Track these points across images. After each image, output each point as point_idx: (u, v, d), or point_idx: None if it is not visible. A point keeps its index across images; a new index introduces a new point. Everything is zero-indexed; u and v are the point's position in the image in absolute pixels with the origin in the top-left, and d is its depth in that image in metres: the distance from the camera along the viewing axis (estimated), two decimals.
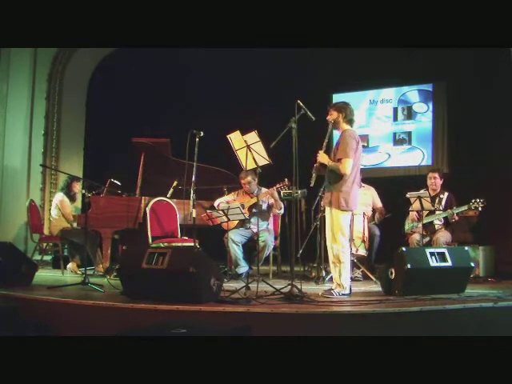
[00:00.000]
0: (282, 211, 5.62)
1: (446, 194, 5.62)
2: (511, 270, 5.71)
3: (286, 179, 5.15)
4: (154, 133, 6.30)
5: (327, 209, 4.28)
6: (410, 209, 5.51)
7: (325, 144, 4.30)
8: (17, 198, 7.91)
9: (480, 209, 5.27)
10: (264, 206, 5.63)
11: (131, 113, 8.17)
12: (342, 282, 4.12)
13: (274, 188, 5.34)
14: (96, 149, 8.25)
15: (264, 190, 5.54)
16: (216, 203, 5.74)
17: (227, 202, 5.64)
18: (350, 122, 4.29)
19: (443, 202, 5.55)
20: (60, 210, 6.33)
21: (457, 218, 5.46)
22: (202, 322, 3.50)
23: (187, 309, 3.58)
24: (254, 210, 5.50)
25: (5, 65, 8.13)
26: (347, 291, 4.13)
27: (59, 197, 6.42)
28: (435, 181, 5.64)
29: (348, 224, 4.24)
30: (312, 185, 4.41)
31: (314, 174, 4.30)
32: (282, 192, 5.48)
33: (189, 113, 7.83)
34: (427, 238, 5.46)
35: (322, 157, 4.23)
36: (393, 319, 3.47)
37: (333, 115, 4.28)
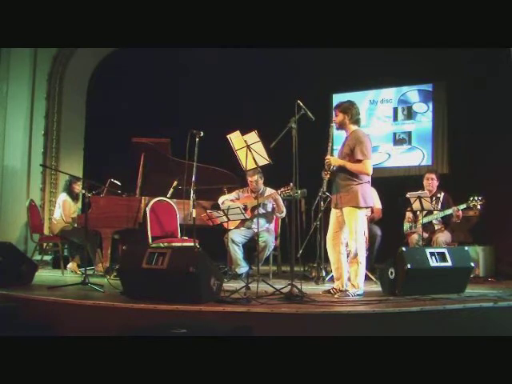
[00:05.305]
0: (284, 215, 5.62)
1: (442, 193, 5.62)
2: (511, 270, 5.71)
3: (291, 183, 5.13)
4: (154, 133, 6.30)
5: (336, 210, 4.27)
6: (409, 209, 5.50)
7: (329, 148, 4.33)
8: (17, 198, 7.92)
9: (479, 206, 5.26)
10: (269, 207, 5.63)
11: (131, 113, 8.17)
12: (358, 282, 4.13)
13: (278, 192, 5.33)
14: (96, 149, 8.25)
15: (269, 190, 5.54)
16: (220, 201, 5.74)
17: (231, 201, 5.64)
18: (357, 121, 4.29)
19: (440, 202, 5.54)
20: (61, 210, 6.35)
21: (461, 214, 5.41)
22: (202, 321, 3.50)
23: (187, 309, 3.58)
24: (261, 210, 5.49)
25: (5, 65, 8.14)
26: (361, 291, 4.14)
27: (62, 197, 6.45)
28: (432, 182, 5.62)
29: (365, 222, 4.26)
30: (325, 190, 4.50)
31: (325, 181, 4.34)
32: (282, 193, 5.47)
33: (189, 113, 7.83)
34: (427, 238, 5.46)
35: (336, 161, 4.23)
36: (393, 319, 3.47)
37: (339, 117, 4.27)
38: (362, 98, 8.38)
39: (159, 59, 7.97)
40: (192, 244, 5.04)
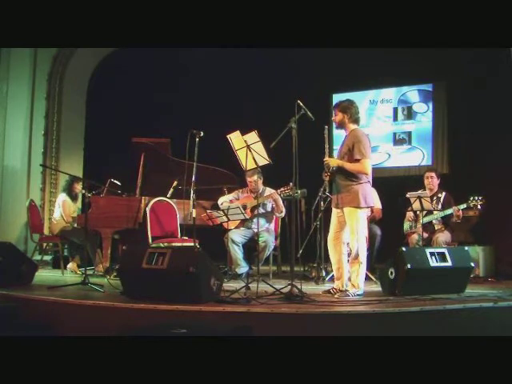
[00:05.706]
0: (283, 215, 5.62)
1: (444, 193, 5.61)
2: (511, 270, 5.72)
3: (291, 183, 5.12)
4: (154, 133, 6.30)
5: (337, 210, 4.27)
6: (409, 209, 5.50)
7: (327, 151, 4.33)
8: (17, 198, 7.92)
9: (479, 206, 5.26)
10: (269, 207, 5.63)
11: (131, 113, 8.17)
12: (359, 282, 4.13)
13: (278, 191, 5.33)
14: (96, 149, 8.25)
15: (268, 190, 5.54)
16: (220, 201, 5.74)
17: (231, 201, 5.64)
18: (356, 120, 4.29)
19: (441, 202, 5.54)
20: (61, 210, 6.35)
21: (461, 214, 5.38)
22: (202, 321, 3.50)
23: (187, 309, 3.58)
24: (261, 210, 5.49)
25: (5, 65, 8.14)
26: (361, 291, 4.13)
27: (62, 197, 6.45)
28: (432, 180, 5.63)
29: (366, 222, 4.26)
30: (328, 191, 4.45)
31: (326, 182, 4.34)
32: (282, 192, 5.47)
33: (189, 113, 7.83)
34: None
35: (334, 162, 4.22)
36: (393, 319, 3.47)
37: (338, 116, 4.28)
38: (362, 98, 8.38)
39: (159, 59, 7.97)
40: (192, 244, 5.04)
